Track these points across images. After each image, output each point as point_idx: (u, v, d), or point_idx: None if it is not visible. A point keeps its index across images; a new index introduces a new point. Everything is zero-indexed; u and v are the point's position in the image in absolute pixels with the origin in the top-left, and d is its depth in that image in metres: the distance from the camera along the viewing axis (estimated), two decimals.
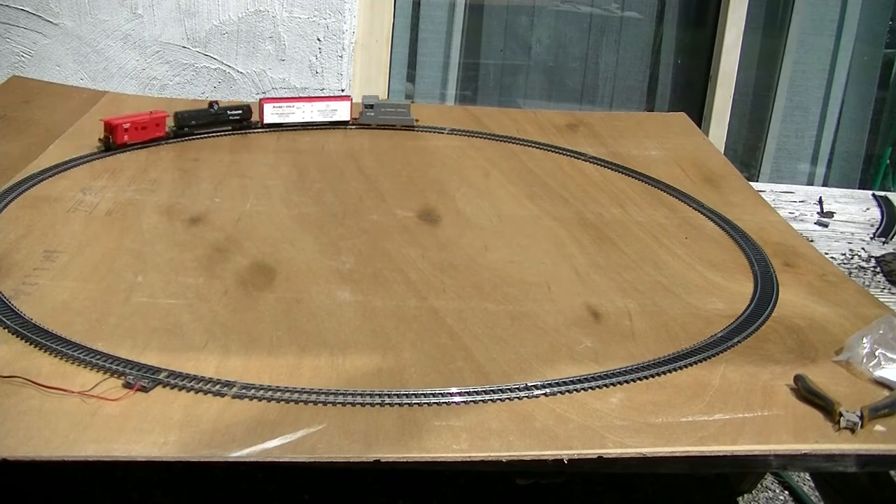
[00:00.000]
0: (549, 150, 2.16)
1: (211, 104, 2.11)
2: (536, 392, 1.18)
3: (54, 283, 1.38)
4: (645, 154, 2.18)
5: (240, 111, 2.14)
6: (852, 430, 1.14)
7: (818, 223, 2.59)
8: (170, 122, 2.05)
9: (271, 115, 2.16)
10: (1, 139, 1.98)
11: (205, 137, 2.07)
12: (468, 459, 1.06)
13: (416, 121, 2.25)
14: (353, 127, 2.23)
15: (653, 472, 1.85)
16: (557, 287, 1.50)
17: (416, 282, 1.48)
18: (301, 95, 2.56)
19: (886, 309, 1.50)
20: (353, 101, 2.24)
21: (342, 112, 2.21)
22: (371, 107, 2.22)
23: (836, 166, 3.15)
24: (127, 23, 2.59)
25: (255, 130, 2.15)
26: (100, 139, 1.96)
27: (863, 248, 2.51)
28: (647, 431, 1.12)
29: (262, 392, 1.13)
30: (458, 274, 1.52)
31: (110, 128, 1.94)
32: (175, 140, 2.05)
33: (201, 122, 2.09)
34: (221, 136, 2.10)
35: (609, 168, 2.08)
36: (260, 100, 2.17)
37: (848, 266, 2.45)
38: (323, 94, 2.53)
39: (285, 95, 2.63)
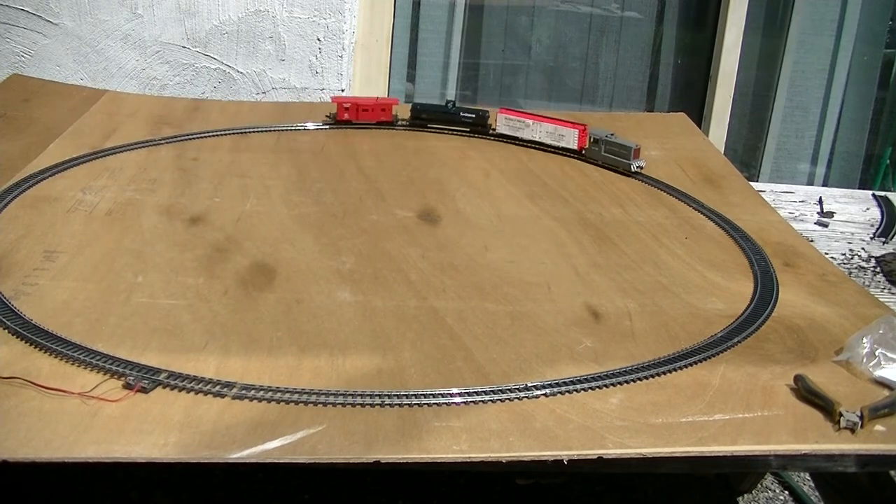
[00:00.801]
0: (549, 150, 2.16)
1: (448, 102, 2.21)
2: (536, 392, 1.18)
3: (54, 283, 1.38)
4: (645, 154, 2.18)
5: (474, 115, 2.19)
6: (852, 430, 1.14)
7: (818, 223, 2.59)
8: (397, 111, 2.24)
9: (503, 125, 2.18)
10: (1, 138, 1.98)
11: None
12: (468, 460, 1.06)
13: (640, 168, 2.03)
14: (583, 158, 2.12)
15: (653, 472, 1.85)
16: (557, 287, 1.50)
17: (416, 282, 1.48)
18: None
19: (886, 309, 1.50)
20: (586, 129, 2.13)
21: (569, 139, 2.12)
22: (596, 141, 2.08)
23: (836, 166, 3.15)
24: (127, 23, 2.59)
25: (460, 132, 2.22)
26: (327, 115, 2.23)
27: (863, 248, 2.51)
28: (646, 432, 1.12)
29: (262, 393, 1.13)
30: (458, 274, 1.52)
31: (335, 105, 2.21)
32: (403, 127, 2.23)
33: (433, 117, 2.22)
34: (222, 135, 2.10)
35: (609, 168, 2.07)
36: (499, 108, 2.21)
37: (848, 266, 2.45)
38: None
39: (286, 97, 2.63)
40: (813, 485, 1.92)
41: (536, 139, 2.16)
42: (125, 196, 1.73)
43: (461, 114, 2.19)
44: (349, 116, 2.20)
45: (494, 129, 2.21)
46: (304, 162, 1.98)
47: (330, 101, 2.29)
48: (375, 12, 2.76)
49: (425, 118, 2.22)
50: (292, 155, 2.02)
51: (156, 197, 1.74)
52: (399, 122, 2.24)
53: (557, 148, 2.15)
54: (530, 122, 2.15)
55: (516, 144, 2.18)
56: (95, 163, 1.89)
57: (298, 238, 1.61)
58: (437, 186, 1.90)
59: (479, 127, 2.21)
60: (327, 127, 2.22)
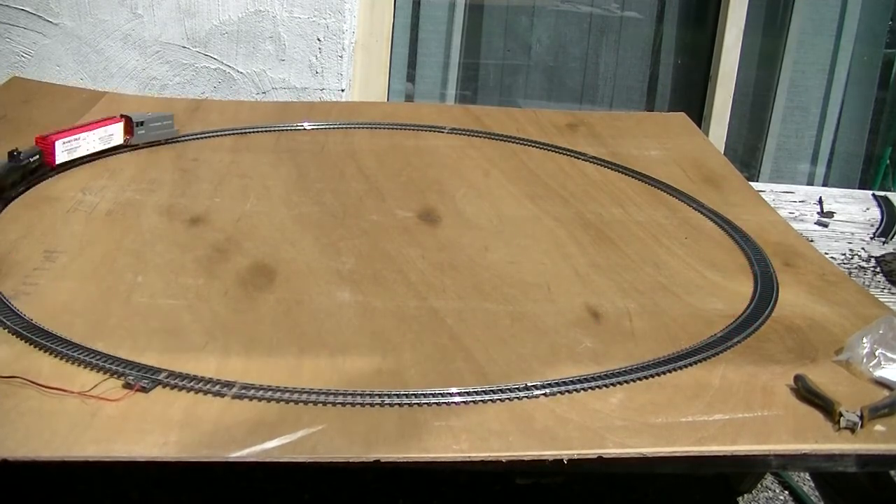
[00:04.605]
0: (549, 150, 2.16)
1: (11, 154, 1.74)
2: (536, 392, 1.18)
3: (54, 283, 1.38)
4: (645, 154, 2.18)
5: (37, 156, 1.79)
6: (852, 430, 1.14)
7: (818, 223, 2.59)
8: None
9: (62, 152, 1.82)
10: (1, 139, 1.98)
11: (31, 188, 1.80)
12: (468, 460, 1.06)
13: (178, 130, 2.05)
14: (128, 149, 1.97)
15: (653, 473, 1.85)
16: (557, 287, 1.50)
17: (416, 282, 1.48)
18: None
19: (886, 309, 1.50)
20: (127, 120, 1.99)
21: (117, 136, 1.94)
22: (141, 124, 1.98)
23: (836, 166, 3.15)
24: (127, 23, 2.59)
25: (50, 175, 1.81)
26: None
27: (863, 248, 2.51)
28: (646, 432, 1.12)
29: (262, 392, 1.13)
30: (458, 274, 1.52)
31: None
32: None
33: (16, 178, 1.74)
34: (222, 136, 2.10)
35: (609, 168, 2.08)
36: (37, 138, 1.81)
37: (848, 266, 2.45)
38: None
39: (284, 97, 2.63)
40: (813, 485, 1.92)
41: (94, 150, 1.89)
42: (125, 196, 1.73)
43: (30, 159, 1.74)
44: None
45: (53, 164, 1.80)
46: (304, 162, 1.98)
47: None
48: (375, 12, 2.76)
49: (12, 183, 1.71)
50: (292, 155, 2.02)
51: (156, 197, 1.74)
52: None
53: (111, 149, 1.94)
54: (83, 135, 1.86)
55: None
56: (95, 163, 1.89)
57: (298, 238, 1.61)
58: (437, 186, 1.90)
59: (40, 167, 1.79)
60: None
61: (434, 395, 1.15)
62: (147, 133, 2.01)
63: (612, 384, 1.22)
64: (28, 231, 1.55)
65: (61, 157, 1.84)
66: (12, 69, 2.60)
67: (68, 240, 1.53)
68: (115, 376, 1.14)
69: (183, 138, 2.05)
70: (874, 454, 1.13)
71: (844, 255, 2.49)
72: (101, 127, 1.93)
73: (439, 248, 1.62)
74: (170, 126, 2.06)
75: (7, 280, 1.37)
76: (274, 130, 2.16)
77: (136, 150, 1.97)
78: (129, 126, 1.99)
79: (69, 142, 1.84)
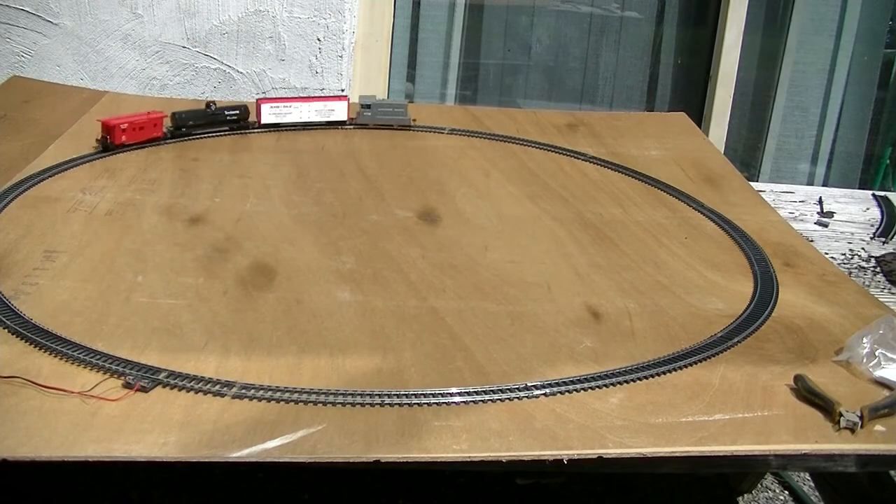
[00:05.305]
0: (549, 150, 2.16)
1: (208, 104, 2.10)
2: (536, 392, 1.18)
3: (54, 283, 1.38)
4: (645, 154, 2.18)
5: (237, 111, 2.12)
6: (852, 430, 1.14)
7: (818, 223, 2.60)
8: (167, 123, 2.05)
9: (269, 115, 2.15)
10: (1, 139, 1.98)
11: (204, 137, 2.07)
12: (468, 459, 1.06)
13: (414, 120, 2.24)
14: (351, 127, 2.22)
15: (653, 472, 1.85)
16: (557, 287, 1.50)
17: (416, 282, 1.48)
18: (299, 95, 2.56)
19: (886, 309, 1.50)
20: (351, 101, 2.25)
21: (339, 112, 2.20)
22: (368, 107, 2.21)
23: (836, 166, 3.15)
24: (127, 23, 2.59)
25: (254, 130, 2.15)
26: (97, 140, 1.97)
27: (863, 248, 2.51)
28: (647, 431, 1.12)
29: (262, 392, 1.13)
30: (458, 274, 1.52)
31: (108, 128, 1.94)
32: (173, 140, 2.04)
33: (199, 123, 2.08)
34: (221, 136, 2.10)
35: (609, 168, 2.08)
36: (258, 100, 2.16)
37: (848, 266, 2.45)
38: (322, 94, 2.53)
39: (285, 95, 2.63)
40: (813, 485, 1.92)
41: (306, 120, 2.17)
42: (125, 196, 1.73)
43: (224, 113, 2.12)
44: (126, 138, 1.95)
45: (258, 122, 2.14)
46: (304, 162, 1.98)
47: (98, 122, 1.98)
48: (375, 12, 2.76)
49: (191, 125, 2.06)
50: (292, 155, 2.02)
51: (156, 197, 1.74)
52: (167, 135, 2.04)
53: (327, 123, 2.20)
54: (298, 104, 2.15)
55: (287, 130, 2.17)
56: (95, 163, 1.89)
57: (298, 238, 1.61)
58: (437, 186, 1.90)
59: (242, 122, 2.13)
60: (106, 154, 1.93)
61: (434, 395, 1.15)
62: (374, 116, 2.19)
63: (612, 384, 1.22)
64: (28, 231, 1.55)
65: (268, 118, 2.13)
66: (12, 69, 2.60)
67: (68, 240, 1.53)
68: (115, 376, 1.14)
69: (182, 139, 2.05)
70: (874, 454, 1.13)
71: (844, 255, 2.49)
72: (320, 101, 2.15)
73: (439, 247, 1.62)
74: (402, 113, 2.23)
75: (7, 280, 1.37)
76: (274, 130, 2.16)
77: (135, 149, 1.97)
78: (356, 107, 2.22)
79: (277, 107, 2.11)
